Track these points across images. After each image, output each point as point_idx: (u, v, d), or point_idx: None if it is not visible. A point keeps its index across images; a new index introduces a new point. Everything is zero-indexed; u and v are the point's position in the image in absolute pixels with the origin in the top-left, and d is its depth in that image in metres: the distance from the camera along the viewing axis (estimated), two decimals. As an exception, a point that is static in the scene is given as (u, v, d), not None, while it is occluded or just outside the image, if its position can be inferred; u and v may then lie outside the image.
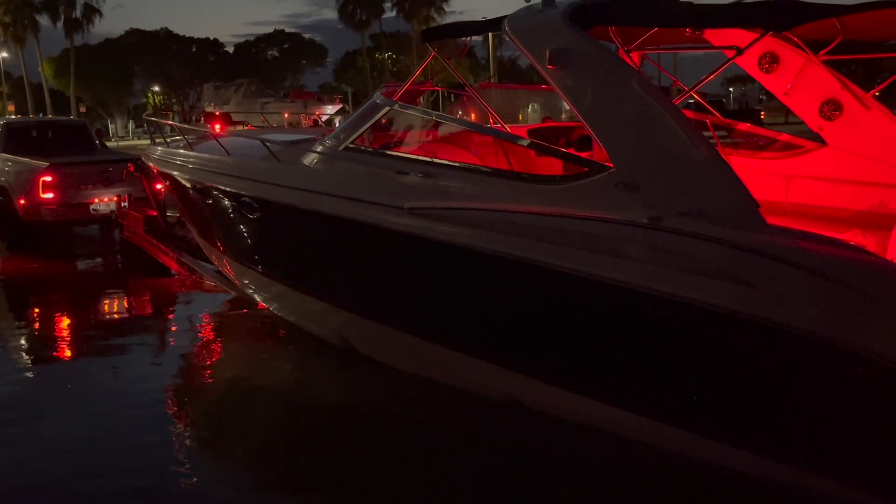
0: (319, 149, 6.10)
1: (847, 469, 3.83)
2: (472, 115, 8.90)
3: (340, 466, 4.92)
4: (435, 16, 70.22)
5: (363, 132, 5.96)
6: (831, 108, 5.85)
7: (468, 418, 5.23)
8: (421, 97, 11.98)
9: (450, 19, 70.80)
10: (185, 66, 79.65)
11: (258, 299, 7.86)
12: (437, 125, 7.00)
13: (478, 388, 5.33)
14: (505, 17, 5.19)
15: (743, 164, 6.22)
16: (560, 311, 4.68)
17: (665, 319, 4.14)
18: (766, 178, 6.20)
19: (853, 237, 5.25)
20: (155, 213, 10.62)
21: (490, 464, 4.73)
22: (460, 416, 5.28)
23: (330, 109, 48.95)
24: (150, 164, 8.91)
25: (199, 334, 8.12)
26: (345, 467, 4.89)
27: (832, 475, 3.86)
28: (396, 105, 5.89)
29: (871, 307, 3.57)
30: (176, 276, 10.30)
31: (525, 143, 5.60)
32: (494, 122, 6.73)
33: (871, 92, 5.71)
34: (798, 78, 5.94)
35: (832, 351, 3.65)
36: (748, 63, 6.21)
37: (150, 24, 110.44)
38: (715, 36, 6.16)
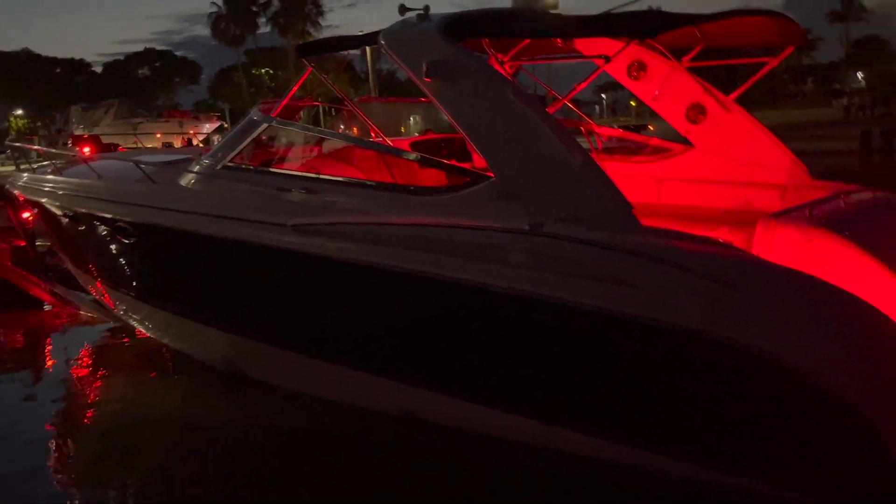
0: (196, 168, 5.94)
1: (739, 460, 4.00)
2: (354, 130, 8.88)
3: (234, 493, 4.79)
4: (310, 30, 69.79)
5: (241, 150, 5.84)
6: (696, 112, 6.13)
7: (369, 434, 5.20)
8: (301, 112, 11.85)
9: (326, 33, 70.56)
10: (50, 88, 76.17)
11: (139, 327, 7.56)
12: (319, 140, 6.94)
13: (373, 403, 5.30)
14: (381, 31, 5.21)
15: (616, 169, 6.44)
16: (448, 321, 4.71)
17: (551, 323, 4.24)
18: (638, 181, 6.44)
19: (721, 235, 5.52)
20: (23, 244, 10.06)
21: (393, 479, 4.72)
22: (359, 434, 5.24)
23: (207, 127, 47.73)
24: (16, 191, 8.44)
25: (78, 368, 7.74)
26: (238, 493, 4.77)
27: (723, 468, 4.02)
28: (274, 121, 5.81)
29: (741, 300, 3.77)
30: (50, 309, 9.79)
31: (407, 155, 5.63)
32: (376, 136, 6.73)
33: (731, 96, 6.02)
34: (664, 84, 6.21)
35: (709, 344, 3.82)
36: (617, 71, 6.45)
37: (8, 44, 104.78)
38: (585, 46, 6.38)
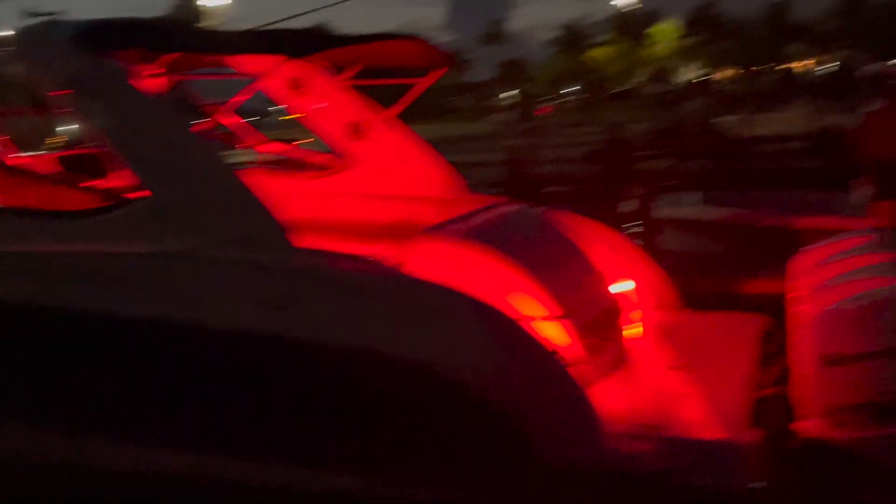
0: None
1: (408, 472, 4.05)
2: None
3: None
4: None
5: None
6: (357, 129, 6.25)
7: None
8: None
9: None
10: None
11: None
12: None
13: (29, 455, 4.66)
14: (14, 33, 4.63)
15: (281, 185, 6.36)
16: (102, 357, 4.29)
17: (208, 351, 4.04)
18: (303, 198, 6.42)
19: (384, 250, 5.68)
20: None
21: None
22: None
23: None
24: None
25: None
26: None
27: (397, 481, 4.07)
28: None
29: (393, 317, 3.88)
30: None
31: (44, 175, 5.05)
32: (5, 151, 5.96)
33: (391, 112, 6.23)
34: (325, 101, 6.25)
35: (366, 361, 3.88)
36: (275, 87, 6.36)
37: None
38: (242, 61, 6.21)
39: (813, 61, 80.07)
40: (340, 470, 4.11)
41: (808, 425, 3.93)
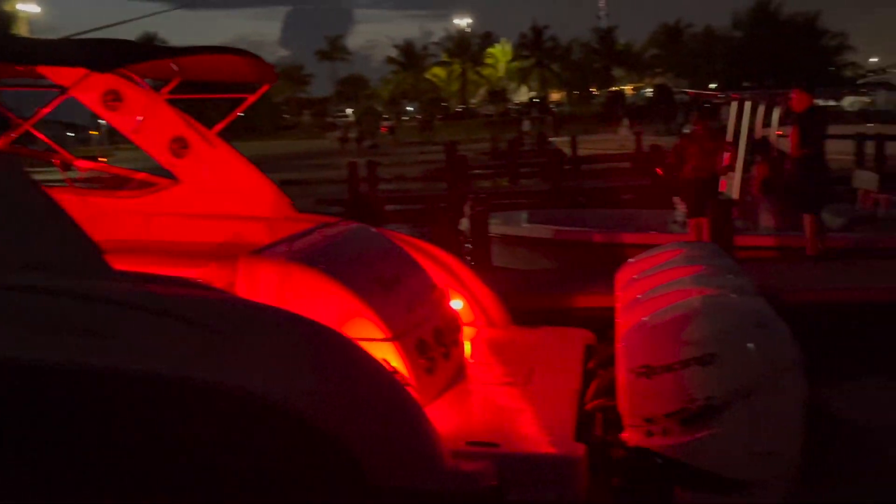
0: None
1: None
2: None
3: None
4: None
5: None
6: (179, 146, 5.96)
7: None
8: None
9: None
10: None
11: None
12: None
13: None
14: None
15: (100, 205, 5.98)
16: None
17: (16, 386, 3.69)
18: (125, 217, 6.07)
19: (211, 271, 5.44)
20: None
21: None
22: None
23: None
24: None
25: None
26: None
27: None
28: None
29: (220, 343, 3.69)
30: None
31: None
32: None
33: (214, 129, 6.00)
34: (144, 116, 5.93)
35: (192, 391, 3.67)
36: (91, 100, 5.97)
37: None
38: (52, 71, 5.79)
39: (640, 85, 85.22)
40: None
41: (630, 435, 4.07)
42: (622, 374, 4.07)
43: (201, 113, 6.04)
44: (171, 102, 6.02)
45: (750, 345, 3.78)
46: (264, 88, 5.74)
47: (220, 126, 5.99)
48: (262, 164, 6.77)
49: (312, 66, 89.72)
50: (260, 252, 4.49)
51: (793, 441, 3.78)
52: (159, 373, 3.67)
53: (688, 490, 3.94)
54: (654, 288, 4.66)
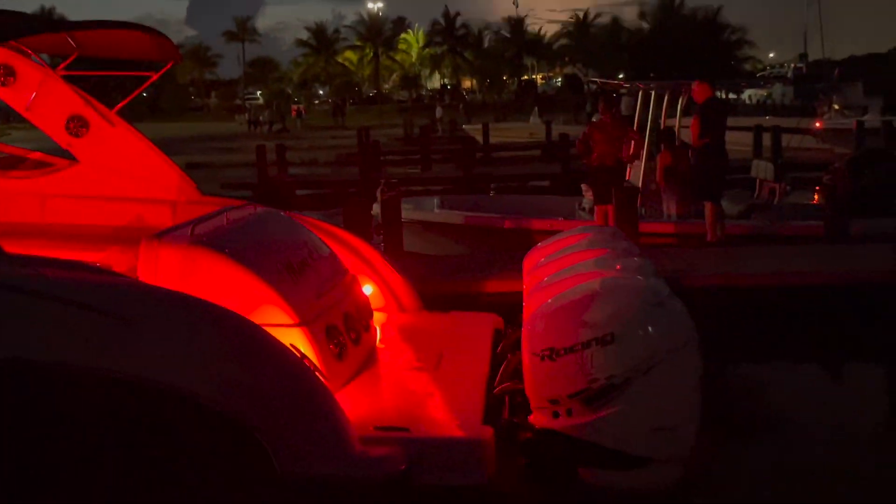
0: None
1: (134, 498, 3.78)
2: None
3: None
4: None
5: None
6: (78, 125, 5.71)
7: None
8: None
9: None
10: None
11: None
12: None
13: None
14: None
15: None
16: None
17: None
18: (19, 199, 5.79)
19: (112, 255, 5.25)
20: None
21: None
22: None
23: None
24: None
25: None
26: None
27: None
28: None
29: (119, 329, 3.57)
30: None
31: None
32: None
33: (114, 109, 5.78)
34: (39, 93, 5.66)
35: (94, 379, 3.56)
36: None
37: None
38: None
39: (551, 74, 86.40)
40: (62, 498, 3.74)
41: (536, 417, 4.14)
42: (527, 358, 4.14)
43: (105, 93, 5.80)
44: (70, 80, 5.77)
45: (647, 323, 3.90)
46: (168, 66, 5.55)
47: (120, 105, 5.76)
48: (167, 146, 6.58)
49: (220, 47, 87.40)
50: (163, 235, 4.36)
51: (691, 416, 3.93)
52: (57, 361, 3.54)
53: (591, 469, 4.05)
54: (558, 272, 4.75)
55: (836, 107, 29.55)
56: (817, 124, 24.36)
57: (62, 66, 5.64)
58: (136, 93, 5.87)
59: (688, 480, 4.09)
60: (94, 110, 5.69)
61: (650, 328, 3.90)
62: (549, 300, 4.24)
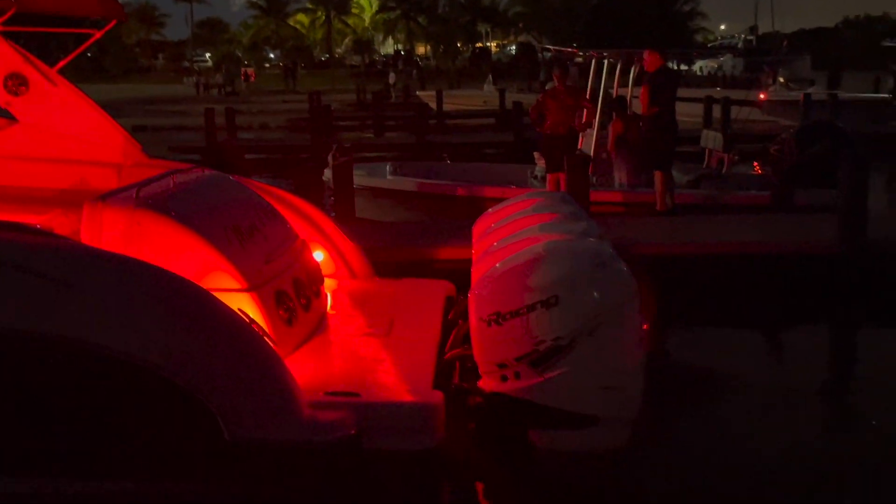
0: None
1: (102, 463, 3.71)
2: None
3: None
4: None
5: None
6: (17, 83, 5.52)
7: None
8: None
9: None
10: None
11: None
12: None
13: None
14: None
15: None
16: None
17: None
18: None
19: (54, 218, 5.12)
20: None
21: None
22: None
23: None
24: None
25: None
26: None
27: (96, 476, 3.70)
28: None
29: (61, 293, 3.49)
30: None
31: None
32: None
33: (56, 67, 5.59)
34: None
35: (37, 344, 3.48)
36: None
37: None
38: None
39: (505, 42, 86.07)
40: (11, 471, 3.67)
41: (485, 382, 4.17)
42: (474, 323, 4.16)
43: (46, 52, 5.60)
44: (8, 37, 5.56)
45: (591, 284, 3.95)
46: (111, 25, 5.37)
47: (62, 63, 5.57)
48: (111, 108, 6.41)
49: (168, 6, 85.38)
50: (107, 197, 4.25)
51: (637, 375, 4.00)
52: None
53: (541, 430, 4.10)
54: (506, 238, 4.78)
55: (781, 80, 30.02)
56: (761, 96, 24.73)
57: (-1, 21, 5.43)
58: (78, 51, 5.68)
59: (634, 441, 4.18)
60: (35, 68, 5.50)
61: (593, 289, 3.95)
62: (495, 265, 4.27)
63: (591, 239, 4.43)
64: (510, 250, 4.38)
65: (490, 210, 5.74)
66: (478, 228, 5.60)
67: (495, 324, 4.01)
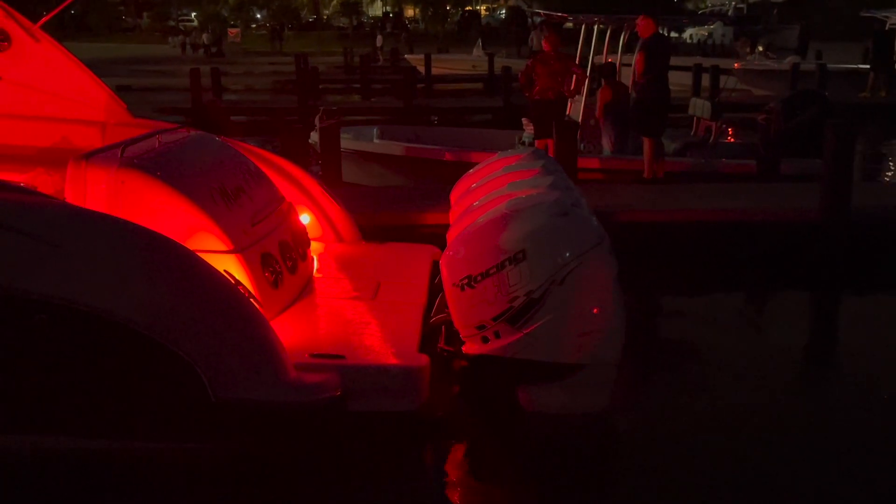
0: None
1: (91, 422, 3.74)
2: None
3: None
4: None
5: None
6: (-1, 39, 5.45)
7: None
8: None
9: None
10: None
11: None
12: None
13: None
14: None
15: None
16: None
17: None
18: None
19: (37, 176, 5.07)
20: None
21: None
22: None
23: None
24: None
25: None
26: None
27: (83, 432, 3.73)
28: None
29: (46, 251, 3.47)
30: None
31: None
32: None
33: (39, 23, 5.50)
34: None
35: (22, 303, 3.47)
36: None
37: None
38: None
39: (495, 6, 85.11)
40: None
41: (469, 346, 4.21)
42: (448, 290, 4.19)
43: (28, 8, 5.50)
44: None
45: (554, 235, 4.00)
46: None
47: (44, 19, 5.48)
48: (95, 67, 6.31)
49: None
50: (91, 156, 4.21)
51: (614, 316, 4.05)
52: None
53: (528, 385, 4.14)
54: (477, 200, 4.80)
55: (760, 48, 29.78)
56: (735, 65, 24.57)
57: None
58: (60, 6, 5.58)
59: (616, 403, 4.24)
60: (17, 23, 5.41)
61: (557, 238, 4.00)
62: (461, 230, 4.30)
63: (556, 191, 4.44)
64: (479, 212, 4.41)
65: (465, 175, 5.76)
66: (454, 193, 5.62)
67: (468, 287, 4.05)
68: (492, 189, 4.92)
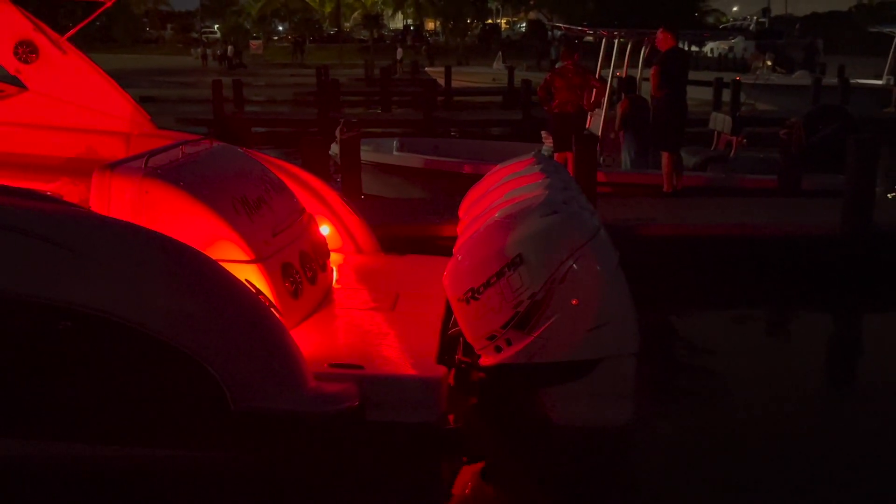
0: None
1: (111, 430, 3.78)
2: None
3: None
4: None
5: None
6: (27, 51, 5.54)
7: None
8: None
9: None
10: None
11: None
12: None
13: None
14: None
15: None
16: None
17: None
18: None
19: (63, 186, 5.15)
20: None
21: None
22: None
23: None
24: None
25: None
26: None
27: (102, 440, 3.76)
28: None
29: (72, 259, 3.52)
30: None
31: None
32: None
33: (66, 35, 5.59)
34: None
35: (46, 310, 3.51)
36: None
37: None
38: None
39: (515, 19, 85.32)
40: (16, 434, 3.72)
41: (484, 357, 4.21)
42: (454, 305, 4.19)
43: (55, 21, 5.60)
44: (19, 4, 5.56)
45: (547, 234, 3.99)
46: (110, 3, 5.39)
47: (71, 32, 5.58)
48: (120, 78, 6.40)
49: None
50: (116, 166, 4.27)
51: (622, 305, 4.02)
52: (6, 290, 3.48)
53: (548, 388, 4.13)
54: (478, 214, 4.81)
55: (769, 63, 29.50)
56: (737, 78, 24.28)
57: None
58: (87, 20, 5.67)
59: (636, 419, 4.21)
60: (45, 36, 5.51)
61: (551, 238, 3.98)
62: (461, 244, 4.31)
63: (546, 190, 4.43)
64: (478, 224, 4.43)
65: (473, 187, 5.78)
66: (462, 206, 5.64)
67: (473, 300, 4.06)
68: (493, 200, 4.94)
